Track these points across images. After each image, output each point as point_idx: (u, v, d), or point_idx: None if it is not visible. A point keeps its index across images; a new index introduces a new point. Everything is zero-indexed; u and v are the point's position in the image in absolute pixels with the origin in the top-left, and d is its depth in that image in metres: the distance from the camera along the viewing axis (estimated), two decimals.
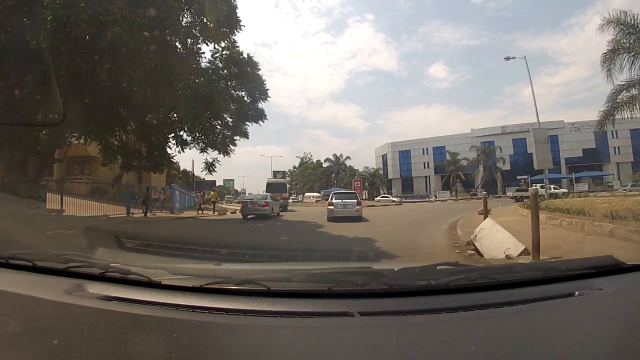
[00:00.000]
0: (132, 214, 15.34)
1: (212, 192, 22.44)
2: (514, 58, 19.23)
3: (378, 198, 39.17)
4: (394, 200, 37.78)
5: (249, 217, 15.24)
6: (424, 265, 1.33)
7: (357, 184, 42.38)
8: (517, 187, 34.37)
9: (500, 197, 43.81)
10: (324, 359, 0.82)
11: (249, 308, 1.02)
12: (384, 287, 1.14)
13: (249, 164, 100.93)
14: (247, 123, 16.24)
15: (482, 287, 1.15)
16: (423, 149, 56.35)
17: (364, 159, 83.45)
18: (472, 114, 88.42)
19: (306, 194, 51.97)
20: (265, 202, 16.01)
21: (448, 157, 47.36)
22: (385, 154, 60.15)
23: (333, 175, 59.31)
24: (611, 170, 42.13)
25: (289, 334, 0.91)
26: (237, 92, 16.04)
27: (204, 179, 69.61)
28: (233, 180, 75.84)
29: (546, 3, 75.75)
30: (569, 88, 77.25)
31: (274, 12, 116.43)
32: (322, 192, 47.69)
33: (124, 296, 1.09)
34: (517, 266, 1.45)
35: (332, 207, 12.99)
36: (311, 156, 71.73)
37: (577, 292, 1.12)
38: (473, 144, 47.41)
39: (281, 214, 18.03)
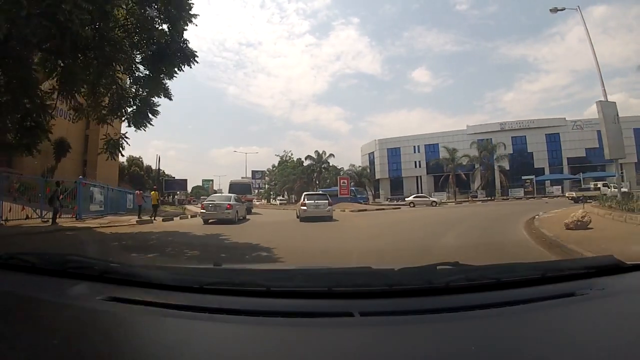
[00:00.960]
0: (47, 219, 12.79)
1: (152, 192, 19.09)
2: (563, 9, 16.99)
3: (410, 198, 35.31)
4: (434, 202, 33.90)
5: (210, 222, 13.41)
6: (424, 265, 1.37)
7: (344, 182, 38.96)
8: (580, 187, 32.25)
9: (507, 198, 38.52)
10: (324, 359, 0.85)
11: (248, 308, 1.05)
12: (384, 287, 1.18)
13: (230, 164, 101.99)
14: (166, 70, 9.89)
15: (483, 287, 1.20)
16: (414, 146, 54.84)
17: (346, 162, 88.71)
18: (453, 118, 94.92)
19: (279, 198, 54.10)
20: (229, 204, 14.32)
21: (445, 154, 45.32)
22: (372, 152, 58.04)
23: (315, 174, 52.49)
24: (614, 170, 38.58)
25: (289, 334, 0.95)
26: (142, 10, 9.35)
27: (173, 177, 61.05)
28: (212, 180, 74.08)
29: (528, 12, 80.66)
30: (549, 94, 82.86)
31: (259, 13, 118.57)
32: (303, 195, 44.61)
33: (124, 297, 1.12)
34: (517, 266, 1.45)
35: (304, 208, 14.74)
36: (291, 155, 65.78)
37: (577, 292, 1.17)
38: (470, 141, 46.31)
39: (247, 217, 16.53)
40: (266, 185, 74.79)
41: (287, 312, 1.04)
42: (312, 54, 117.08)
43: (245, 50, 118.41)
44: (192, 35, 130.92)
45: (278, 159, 70.73)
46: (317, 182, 55.51)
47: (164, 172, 69.17)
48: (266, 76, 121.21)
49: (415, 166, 53.93)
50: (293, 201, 58.06)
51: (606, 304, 1.14)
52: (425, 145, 52.64)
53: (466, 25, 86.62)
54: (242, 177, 57.21)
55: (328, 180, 53.99)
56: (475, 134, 48.08)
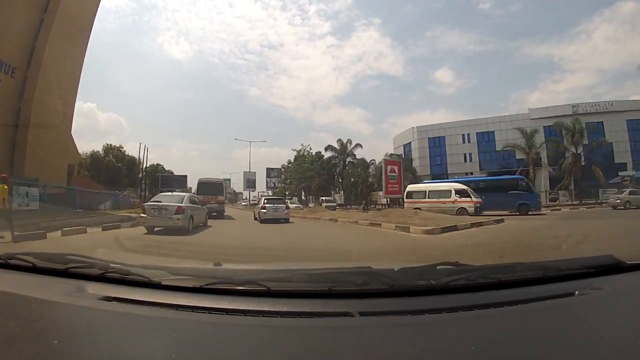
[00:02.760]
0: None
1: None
2: None
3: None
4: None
5: (156, 230, 10.66)
6: (424, 265, 1.44)
7: (394, 168, 28.68)
8: None
9: (601, 202, 25.76)
10: (324, 359, 0.91)
11: (249, 308, 1.12)
12: (384, 287, 1.25)
13: (254, 163, 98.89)
14: None
15: (482, 286, 1.27)
16: (463, 135, 48.95)
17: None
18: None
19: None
20: (179, 206, 10.83)
21: (520, 140, 34.59)
22: (409, 143, 50.08)
23: (337, 169, 40.97)
24: None
25: (289, 334, 1.00)
26: None
27: (170, 171, 55.67)
28: (229, 179, 70.91)
29: (553, 10, 79.71)
30: (574, 95, 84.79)
31: (280, 15, 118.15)
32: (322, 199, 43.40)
33: (124, 297, 1.20)
34: (517, 266, 1.48)
35: (264, 211, 15.90)
36: (310, 149, 59.35)
37: (577, 292, 1.24)
38: (534, 127, 36.20)
39: (209, 223, 13.71)
40: (281, 184, 64.65)
41: (287, 312, 1.11)
42: (333, 55, 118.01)
43: (267, 52, 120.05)
44: (215, 37, 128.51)
45: (292, 152, 60.48)
46: (341, 180, 43.87)
47: (162, 167, 59.55)
48: (288, 78, 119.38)
49: (465, 160, 42.51)
50: (312, 202, 47.93)
51: (606, 304, 1.21)
52: (477, 133, 45.58)
53: (489, 25, 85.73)
54: (251, 173, 47.65)
55: (355, 176, 42.22)
56: (540, 119, 40.11)
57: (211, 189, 21.03)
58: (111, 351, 0.91)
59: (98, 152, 44.49)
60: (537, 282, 1.30)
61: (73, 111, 25.68)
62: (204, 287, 1.22)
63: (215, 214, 18.17)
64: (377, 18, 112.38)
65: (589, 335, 1.01)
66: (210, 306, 1.12)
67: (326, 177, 47.66)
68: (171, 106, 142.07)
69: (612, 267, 1.40)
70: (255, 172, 57.36)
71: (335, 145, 46.49)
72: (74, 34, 22.97)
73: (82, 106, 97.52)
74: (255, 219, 17.09)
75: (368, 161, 44.71)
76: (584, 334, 1.02)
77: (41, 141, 19.93)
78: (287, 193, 62.80)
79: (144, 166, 40.35)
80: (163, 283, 1.27)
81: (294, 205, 29.29)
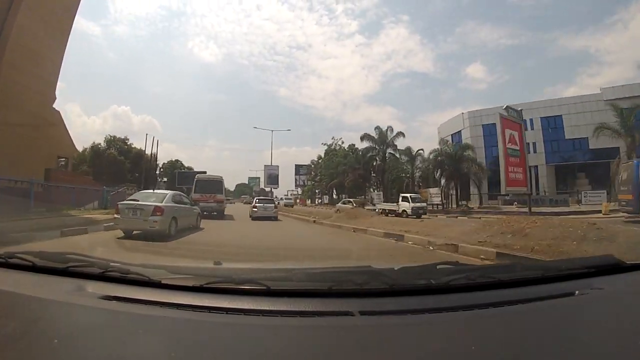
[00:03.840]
0: None
1: None
2: None
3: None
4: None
5: (135, 233, 9.41)
6: (424, 265, 1.48)
7: (513, 136, 21.31)
8: None
9: None
10: (324, 358, 0.92)
11: (249, 307, 1.16)
12: (384, 287, 1.28)
13: (283, 164, 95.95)
14: None
15: (483, 286, 1.29)
16: (526, 120, 32.43)
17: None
18: None
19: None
20: (157, 207, 9.22)
21: (611, 116, 27.50)
22: (458, 132, 43.11)
23: (375, 163, 35.05)
24: None
25: (289, 334, 1.03)
26: None
27: (190, 168, 51.23)
28: (259, 178, 67.51)
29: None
30: None
31: (308, 15, 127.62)
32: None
33: (124, 296, 1.23)
34: (517, 265, 1.53)
35: (255, 209, 18.67)
36: (342, 142, 49.17)
37: (577, 292, 1.26)
38: (607, 110, 29.24)
39: (202, 225, 12.56)
40: (310, 182, 59.56)
41: (287, 312, 1.14)
42: (362, 54, 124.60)
43: (295, 53, 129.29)
44: (244, 40, 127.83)
45: (323, 146, 55.08)
46: (381, 179, 37.89)
47: (181, 163, 55.82)
48: (317, 78, 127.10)
49: (529, 150, 34.68)
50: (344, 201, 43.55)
51: (606, 304, 1.23)
52: (541, 118, 38.73)
53: (521, 17, 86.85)
54: (273, 167, 42.54)
55: (393, 175, 36.32)
56: (614, 100, 31.80)
57: (209, 186, 19.65)
58: (111, 350, 0.94)
59: (99, 144, 41.41)
60: (537, 282, 1.33)
61: (54, 92, 23.42)
62: (204, 286, 1.26)
63: (215, 213, 17.78)
64: (406, 15, 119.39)
65: (589, 335, 1.04)
66: (210, 305, 1.16)
67: (362, 172, 43.32)
68: (202, 108, 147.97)
69: (612, 267, 1.43)
70: (277, 167, 50.63)
71: (373, 134, 40.39)
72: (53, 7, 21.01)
73: (117, 109, 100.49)
74: (250, 216, 19.18)
75: (413, 153, 37.70)
76: (584, 333, 1.05)
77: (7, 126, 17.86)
78: (316, 191, 57.82)
79: (152, 159, 36.41)
80: (163, 282, 1.31)
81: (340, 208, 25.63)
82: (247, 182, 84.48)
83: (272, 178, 49.66)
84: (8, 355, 0.88)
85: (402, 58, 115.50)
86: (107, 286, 1.31)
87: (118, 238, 8.45)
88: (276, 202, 23.10)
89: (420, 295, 1.24)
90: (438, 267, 1.46)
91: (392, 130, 39.75)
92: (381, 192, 40.75)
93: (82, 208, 19.01)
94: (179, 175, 41.83)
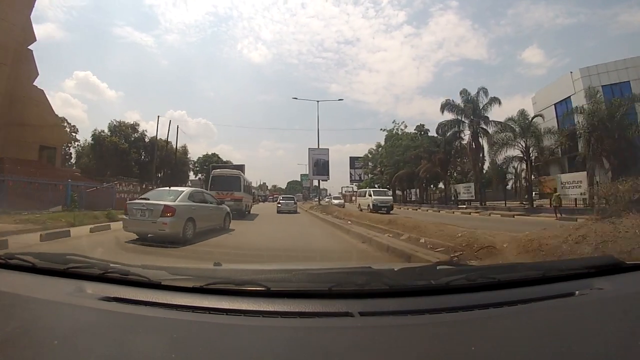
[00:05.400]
0: None
1: None
2: None
3: None
4: None
5: (148, 237, 8.08)
6: (424, 265, 1.48)
7: None
8: None
9: None
10: (324, 359, 0.92)
11: (249, 308, 1.15)
12: (384, 287, 1.28)
13: (339, 162, 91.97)
14: None
15: (482, 287, 1.29)
16: None
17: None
18: None
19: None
20: (167, 206, 8.04)
21: None
22: (566, 100, 29.58)
23: (457, 142, 23.36)
24: None
25: (289, 334, 1.03)
26: None
27: (229, 162, 47.55)
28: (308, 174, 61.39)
29: None
30: None
31: (353, 9, 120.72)
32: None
33: (124, 297, 1.24)
34: (517, 266, 1.53)
35: (280, 205, 24.15)
36: (405, 127, 45.92)
37: (577, 292, 1.26)
38: None
39: (231, 227, 11.35)
40: (368, 175, 49.75)
41: (287, 312, 1.14)
42: (412, 45, 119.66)
43: (344, 49, 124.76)
44: (292, 39, 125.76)
45: (383, 132, 44.63)
46: (473, 164, 26.99)
47: (218, 157, 49.03)
48: (368, 72, 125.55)
49: None
50: (411, 197, 32.39)
51: (606, 304, 1.23)
52: None
53: None
54: (321, 151, 32.47)
55: (487, 162, 26.04)
56: None
57: (226, 183, 17.43)
58: (111, 351, 0.94)
59: (102, 132, 35.25)
60: (537, 282, 1.33)
61: (36, 68, 20.45)
62: (204, 287, 1.26)
63: (234, 212, 14.06)
64: (454, 0, 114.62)
65: (589, 335, 1.04)
66: (210, 306, 1.16)
67: (442, 155, 31.15)
68: (255, 108, 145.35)
69: (612, 267, 1.42)
70: (327, 150, 34.19)
71: (458, 101, 28.29)
72: None
73: (173, 113, 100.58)
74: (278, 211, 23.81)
75: (530, 117, 24.50)
76: (584, 334, 1.05)
77: None
78: (376, 185, 47.78)
79: (171, 149, 28.90)
80: (163, 283, 1.31)
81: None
82: (299, 179, 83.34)
83: (320, 166, 33.35)
84: (8, 355, 0.88)
85: (453, 46, 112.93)
86: (107, 287, 1.30)
87: (126, 242, 7.41)
88: (295, 199, 28.02)
89: (420, 296, 1.24)
90: (438, 267, 1.47)
91: (485, 93, 27.82)
92: (471, 184, 30.00)
93: (44, 211, 13.76)
94: (212, 169, 34.56)
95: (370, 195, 25.66)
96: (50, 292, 1.26)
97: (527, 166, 24.45)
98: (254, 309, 1.13)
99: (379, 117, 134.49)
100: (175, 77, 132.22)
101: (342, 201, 40.38)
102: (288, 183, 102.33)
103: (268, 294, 1.21)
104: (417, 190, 38.05)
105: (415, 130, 41.96)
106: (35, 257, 1.49)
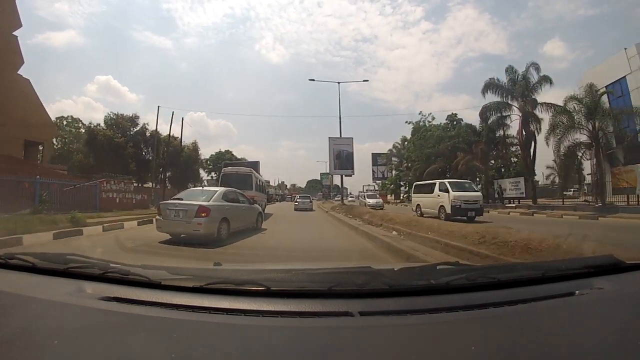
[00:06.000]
0: None
1: None
2: None
3: None
4: None
5: (182, 236, 8.01)
6: (424, 265, 1.47)
7: None
8: None
9: None
10: (324, 359, 0.93)
11: (248, 308, 1.16)
12: (384, 287, 1.28)
13: (361, 160, 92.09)
14: None
15: (482, 286, 1.29)
16: None
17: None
18: None
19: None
20: (202, 206, 8.04)
21: None
22: (620, 80, 25.26)
23: (504, 130, 19.09)
24: None
25: (289, 334, 1.03)
26: None
27: (243, 159, 42.11)
28: (328, 173, 58.78)
29: None
30: None
31: (370, 7, 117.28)
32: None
33: (124, 296, 1.24)
34: (517, 266, 1.53)
35: (297, 203, 29.01)
36: (432, 119, 42.32)
37: (577, 292, 1.26)
38: None
39: (264, 226, 11.59)
40: (392, 172, 45.71)
41: (287, 312, 1.15)
42: (430, 41, 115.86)
43: (362, 47, 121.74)
44: (309, 38, 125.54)
45: (408, 125, 40.36)
46: (525, 156, 22.85)
47: (232, 154, 46.57)
48: (386, 70, 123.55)
49: None
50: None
51: (606, 304, 1.23)
52: None
53: None
54: (344, 140, 27.89)
55: (551, 150, 21.69)
56: None
57: (236, 181, 15.83)
58: (111, 351, 0.94)
59: (98, 125, 32.95)
60: (537, 282, 1.33)
61: (21, 56, 19.03)
62: (204, 287, 1.27)
63: None
64: None
65: (589, 335, 1.04)
66: (211, 306, 1.16)
67: (483, 145, 27.37)
68: (274, 108, 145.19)
69: (612, 267, 1.42)
70: (351, 139, 27.88)
71: (502, 78, 24.66)
72: None
73: (193, 115, 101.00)
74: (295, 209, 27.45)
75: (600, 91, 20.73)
76: (584, 333, 1.05)
77: None
78: (401, 183, 43.44)
79: (165, 139, 27.72)
80: (163, 283, 1.31)
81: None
82: (318, 178, 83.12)
83: (343, 158, 26.96)
84: (8, 355, 0.88)
85: (473, 41, 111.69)
86: (107, 287, 1.31)
87: (159, 242, 7.54)
88: (310, 198, 32.42)
89: (420, 296, 1.24)
90: (438, 267, 1.47)
91: (537, 70, 24.28)
92: (521, 179, 25.75)
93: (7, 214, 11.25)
94: (225, 166, 31.60)
95: (446, 191, 15.57)
96: (51, 292, 1.26)
97: (597, 154, 19.97)
98: (254, 308, 1.14)
99: (398, 115, 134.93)
100: (195, 79, 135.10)
101: (380, 200, 32.67)
102: (307, 182, 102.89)
103: (268, 294, 1.22)
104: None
105: (446, 120, 37.90)
106: (35, 257, 1.50)
